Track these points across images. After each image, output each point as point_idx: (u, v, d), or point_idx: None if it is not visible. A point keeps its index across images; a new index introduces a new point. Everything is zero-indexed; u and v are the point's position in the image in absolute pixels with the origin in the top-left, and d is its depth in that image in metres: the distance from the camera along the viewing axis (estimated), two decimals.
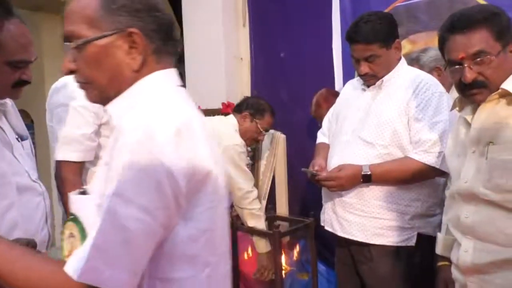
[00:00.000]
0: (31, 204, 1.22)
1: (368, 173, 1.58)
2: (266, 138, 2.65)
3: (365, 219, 1.65)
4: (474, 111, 1.20)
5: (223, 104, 2.84)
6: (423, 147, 1.56)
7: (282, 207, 2.61)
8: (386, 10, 2.25)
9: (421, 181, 1.60)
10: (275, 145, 2.61)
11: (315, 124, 2.28)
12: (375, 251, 1.66)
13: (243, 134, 2.15)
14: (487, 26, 1.11)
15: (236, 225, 2.15)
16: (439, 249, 1.38)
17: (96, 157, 1.45)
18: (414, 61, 1.94)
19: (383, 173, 1.59)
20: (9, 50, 1.09)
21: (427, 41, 2.14)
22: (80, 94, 1.36)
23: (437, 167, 1.54)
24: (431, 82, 1.63)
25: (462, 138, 1.23)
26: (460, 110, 1.27)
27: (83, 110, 1.38)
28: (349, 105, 1.77)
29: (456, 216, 1.22)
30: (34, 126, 4.52)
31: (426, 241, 1.58)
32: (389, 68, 1.65)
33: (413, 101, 1.58)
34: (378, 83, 1.67)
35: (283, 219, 2.39)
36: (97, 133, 1.43)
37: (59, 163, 1.40)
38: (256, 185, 2.67)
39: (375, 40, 1.56)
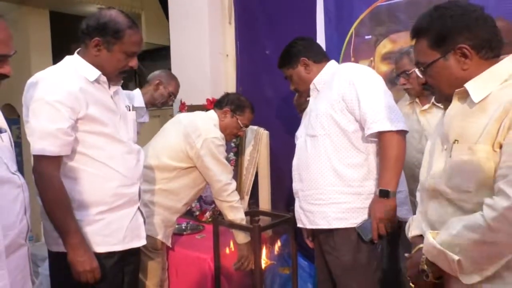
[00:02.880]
0: (10, 196, 1.23)
1: (383, 189, 1.65)
2: (250, 134, 2.68)
3: (325, 207, 1.76)
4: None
5: (207, 100, 2.87)
6: (371, 120, 1.67)
7: (265, 203, 2.64)
8: (368, 9, 2.30)
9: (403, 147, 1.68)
10: (259, 141, 2.64)
11: (299, 121, 2.32)
12: (338, 238, 1.75)
13: (223, 129, 2.17)
14: (425, 36, 1.16)
15: (218, 219, 2.18)
16: (415, 230, 1.32)
17: (73, 152, 1.45)
18: (405, 54, 2.00)
19: (391, 173, 1.65)
20: None
21: (407, 40, 2.16)
22: (56, 88, 1.40)
23: (395, 129, 1.63)
24: (348, 69, 1.83)
25: (439, 132, 1.24)
26: (445, 109, 1.26)
27: (58, 105, 1.38)
28: (305, 114, 1.99)
29: (424, 211, 1.25)
30: (20, 120, 4.50)
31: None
32: (303, 81, 1.92)
33: (341, 90, 1.75)
34: (312, 87, 1.90)
35: (265, 214, 2.42)
36: (74, 127, 1.43)
37: (36, 158, 1.40)
38: (239, 180, 2.71)
39: (281, 66, 1.96)
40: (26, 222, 1.30)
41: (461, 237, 1.03)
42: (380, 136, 1.68)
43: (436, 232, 1.13)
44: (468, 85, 1.10)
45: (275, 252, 2.45)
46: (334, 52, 2.41)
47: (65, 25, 4.92)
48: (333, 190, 1.75)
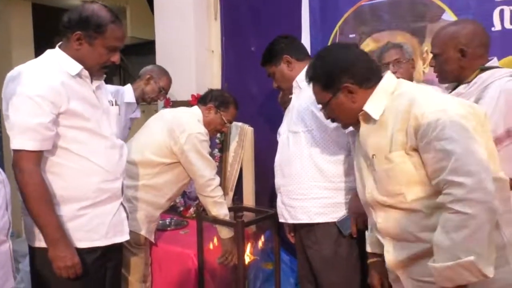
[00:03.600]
0: None
1: None
2: (234, 130, 2.69)
3: (306, 202, 1.80)
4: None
5: (192, 96, 2.86)
6: None
7: (249, 199, 2.66)
8: (352, 9, 2.33)
9: None
10: (243, 137, 2.66)
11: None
12: (319, 232, 1.79)
13: (207, 125, 2.18)
14: (315, 83, 1.40)
15: (201, 215, 2.18)
16: (368, 247, 1.51)
17: (55, 147, 1.44)
18: (395, 46, 2.05)
19: None
20: None
21: (389, 40, 2.21)
22: (36, 83, 1.38)
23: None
24: None
25: (360, 151, 1.39)
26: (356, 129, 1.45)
27: (39, 99, 1.36)
28: (287, 111, 2.00)
29: (373, 221, 1.37)
30: (1, 114, 4.41)
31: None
32: (285, 78, 1.94)
33: None
34: (294, 84, 1.92)
35: (248, 209, 2.44)
36: (55, 122, 1.41)
37: (16, 153, 1.37)
38: (223, 176, 2.72)
39: (264, 64, 1.98)
40: (7, 218, 1.29)
41: (457, 241, 1.07)
42: None
43: (432, 259, 1.14)
44: (366, 107, 1.31)
45: (259, 248, 2.47)
46: (318, 50, 2.43)
47: (48, 17, 4.84)
48: (315, 186, 1.79)
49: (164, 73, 2.59)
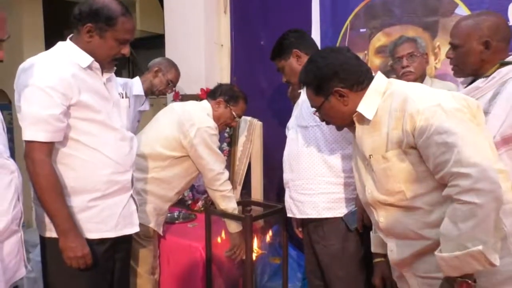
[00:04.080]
0: (3, 182, 1.22)
1: None
2: (243, 124, 2.69)
3: (315, 197, 1.80)
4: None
5: (202, 89, 2.87)
6: None
7: (257, 193, 2.66)
8: (363, 3, 2.31)
9: None
10: (252, 132, 2.65)
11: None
12: (327, 227, 1.79)
13: (216, 119, 2.18)
14: (307, 87, 1.43)
15: (210, 209, 2.19)
16: (372, 247, 1.52)
17: (66, 138, 1.45)
18: (409, 40, 2.02)
19: None
20: None
21: (401, 34, 2.18)
22: (48, 74, 1.39)
23: None
24: None
25: (358, 152, 1.41)
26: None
27: (51, 90, 1.37)
28: (296, 106, 1.99)
29: (375, 221, 1.38)
30: (12, 106, 4.45)
31: None
32: (295, 72, 1.87)
33: None
34: None
35: (256, 204, 2.44)
36: (66, 114, 1.42)
37: (27, 144, 1.39)
38: (232, 170, 2.73)
39: (274, 58, 1.98)
40: (19, 208, 1.30)
41: (464, 231, 1.08)
42: None
43: (438, 249, 1.15)
44: (359, 109, 1.33)
45: (266, 242, 2.47)
46: (329, 44, 2.41)
47: (58, 10, 4.86)
48: (323, 181, 1.78)
49: (172, 65, 2.59)
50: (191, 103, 2.26)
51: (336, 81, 1.34)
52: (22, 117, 1.41)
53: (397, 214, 1.27)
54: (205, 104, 2.22)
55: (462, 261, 1.09)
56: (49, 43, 4.61)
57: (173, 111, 2.19)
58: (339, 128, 1.49)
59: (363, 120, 1.34)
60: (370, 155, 1.30)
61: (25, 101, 1.39)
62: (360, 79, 1.34)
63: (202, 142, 2.05)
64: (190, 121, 2.07)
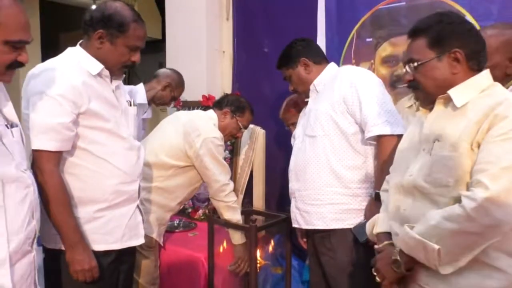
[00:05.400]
0: (17, 197, 1.11)
1: (378, 192, 1.60)
2: (246, 133, 2.66)
3: (322, 207, 1.77)
4: (429, 112, 1.30)
5: (203, 96, 2.84)
6: (371, 123, 1.68)
7: (259, 202, 2.63)
8: (369, 12, 2.30)
9: None
10: (254, 140, 2.62)
11: None
12: (335, 239, 1.76)
13: (222, 129, 2.15)
14: (424, 35, 1.24)
15: (213, 218, 2.15)
16: (383, 226, 1.39)
17: (74, 147, 1.41)
18: None
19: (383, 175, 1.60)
20: (8, 29, 1.03)
21: (407, 44, 2.18)
22: (58, 82, 1.35)
23: (394, 133, 1.64)
24: (349, 71, 1.85)
25: (416, 136, 1.32)
26: (417, 110, 1.37)
27: (61, 98, 1.33)
28: (303, 114, 1.99)
29: (396, 207, 1.31)
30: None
31: None
32: (303, 81, 1.91)
33: (342, 91, 1.76)
34: (311, 88, 1.90)
35: (259, 213, 2.41)
36: (75, 122, 1.39)
37: (36, 153, 1.35)
38: (234, 179, 2.69)
39: (281, 67, 1.96)
40: (33, 226, 1.19)
41: (440, 227, 1.10)
42: (379, 140, 1.69)
43: (412, 225, 1.19)
44: (451, 92, 1.21)
45: (268, 252, 2.44)
46: (334, 54, 2.41)
47: (55, 14, 4.81)
48: (331, 191, 1.76)
49: (181, 83, 2.62)
50: (197, 113, 2.24)
51: (460, 43, 1.20)
52: (31, 126, 1.35)
53: (424, 207, 1.20)
54: (211, 114, 2.19)
55: (416, 245, 1.14)
56: (45, 47, 4.57)
57: (179, 120, 2.16)
58: (421, 95, 1.31)
59: (447, 104, 1.23)
60: (435, 139, 1.21)
61: (34, 109, 1.34)
62: (480, 58, 1.22)
63: (208, 152, 2.02)
64: (196, 131, 2.04)
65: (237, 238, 2.12)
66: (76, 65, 1.44)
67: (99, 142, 1.45)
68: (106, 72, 1.49)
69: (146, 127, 2.71)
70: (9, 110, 1.14)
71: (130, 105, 1.62)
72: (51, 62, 1.44)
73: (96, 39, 1.44)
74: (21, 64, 1.09)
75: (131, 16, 1.44)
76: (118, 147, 1.50)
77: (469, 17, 1.96)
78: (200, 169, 2.07)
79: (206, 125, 2.09)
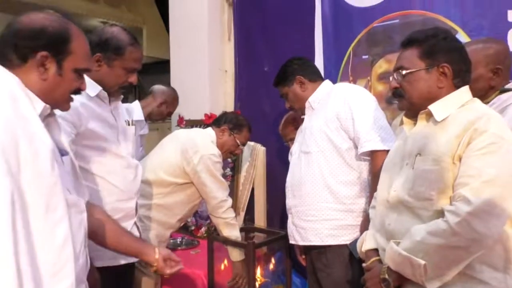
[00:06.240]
0: (75, 222, 1.03)
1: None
2: (246, 150, 2.69)
3: (318, 223, 1.78)
4: (413, 126, 1.33)
5: (205, 115, 2.89)
6: (364, 139, 1.70)
7: (261, 219, 2.64)
8: (364, 30, 2.34)
9: None
10: (255, 157, 2.66)
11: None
12: (330, 255, 1.77)
13: (220, 147, 2.19)
14: (418, 46, 1.28)
15: (212, 235, 2.17)
16: (371, 243, 1.38)
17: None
18: None
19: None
20: (78, 58, 1.06)
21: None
22: None
23: (387, 148, 1.63)
24: (343, 88, 1.89)
25: (400, 151, 1.34)
26: (400, 124, 1.39)
27: (61, 120, 1.39)
28: (299, 131, 2.02)
29: (382, 223, 1.32)
30: None
31: None
32: (298, 98, 1.95)
33: (336, 108, 1.79)
34: (307, 105, 1.93)
35: (259, 230, 2.42)
36: (74, 141, 1.44)
37: None
38: (235, 196, 2.72)
39: (277, 84, 2.01)
40: (86, 256, 1.10)
41: (425, 243, 1.11)
42: (373, 155, 1.71)
43: (398, 241, 1.20)
44: (432, 107, 1.24)
45: (269, 269, 2.43)
46: (332, 71, 2.45)
47: None
48: (326, 207, 1.78)
49: (176, 99, 2.71)
50: (195, 130, 2.29)
51: (450, 59, 1.24)
52: None
53: (408, 221, 1.21)
54: (210, 132, 2.24)
55: (402, 261, 1.14)
56: None
57: (178, 138, 2.21)
58: (404, 106, 1.34)
59: (429, 119, 1.27)
60: (418, 154, 1.23)
61: None
62: (465, 78, 1.26)
63: (205, 169, 2.06)
64: (194, 148, 2.08)
65: (236, 255, 2.13)
66: None
67: (98, 161, 1.50)
68: (104, 94, 1.54)
69: (144, 143, 2.77)
70: (61, 139, 1.11)
71: (129, 124, 1.67)
72: None
73: (94, 62, 1.50)
74: (79, 91, 1.12)
75: (127, 40, 1.50)
76: (116, 165, 1.55)
77: (461, 33, 1.99)
78: (198, 186, 2.10)
79: (204, 142, 2.14)
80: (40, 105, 0.98)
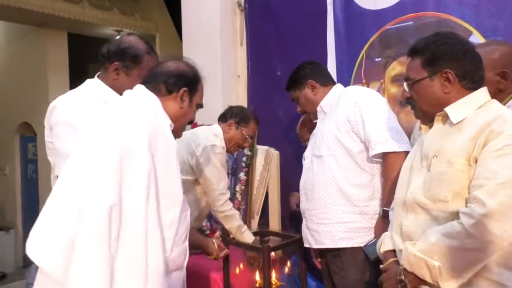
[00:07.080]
0: (183, 216, 1.29)
1: (386, 209, 1.61)
2: (260, 154, 2.71)
3: (331, 226, 1.78)
4: (430, 129, 1.33)
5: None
6: (375, 141, 1.69)
7: (275, 223, 2.64)
8: (377, 33, 2.33)
9: None
10: (269, 161, 2.66)
11: None
12: (345, 257, 1.77)
13: (228, 141, 2.23)
14: (420, 56, 1.30)
15: (227, 239, 2.19)
16: (389, 244, 1.39)
17: None
18: None
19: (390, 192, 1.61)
20: (200, 95, 1.42)
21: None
22: (76, 112, 1.45)
23: (399, 150, 1.65)
24: (353, 91, 1.88)
25: (418, 154, 1.34)
26: (420, 128, 1.40)
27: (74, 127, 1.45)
28: (312, 135, 2.02)
29: (399, 224, 1.33)
30: (37, 138, 4.60)
31: None
32: (310, 102, 1.97)
33: (346, 111, 1.79)
34: (319, 109, 1.93)
35: (274, 234, 2.42)
36: None
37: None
38: (249, 200, 2.73)
39: (289, 88, 2.03)
40: (185, 248, 1.33)
41: (440, 244, 1.11)
42: (384, 157, 1.71)
43: (413, 242, 1.20)
44: (448, 109, 1.25)
45: (285, 273, 2.43)
46: (345, 74, 2.45)
47: (83, 46, 5.08)
48: (339, 210, 1.77)
49: None
50: (200, 127, 2.34)
51: (452, 64, 1.24)
52: (55, 153, 1.48)
53: (425, 223, 1.22)
54: (215, 127, 2.28)
55: (417, 262, 1.15)
56: (73, 78, 4.82)
57: (184, 136, 2.25)
58: (418, 115, 1.35)
59: (445, 121, 1.27)
60: (434, 156, 1.24)
61: (57, 138, 1.47)
62: (474, 78, 1.25)
63: (206, 160, 2.11)
64: (196, 141, 2.14)
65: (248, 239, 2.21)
66: (93, 95, 1.54)
67: None
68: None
69: None
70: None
71: None
72: (69, 94, 1.56)
73: (112, 71, 1.54)
74: (192, 122, 1.46)
75: (145, 49, 1.55)
76: None
77: (476, 34, 1.97)
78: (200, 177, 2.15)
79: (206, 134, 2.19)
80: (169, 121, 1.30)
